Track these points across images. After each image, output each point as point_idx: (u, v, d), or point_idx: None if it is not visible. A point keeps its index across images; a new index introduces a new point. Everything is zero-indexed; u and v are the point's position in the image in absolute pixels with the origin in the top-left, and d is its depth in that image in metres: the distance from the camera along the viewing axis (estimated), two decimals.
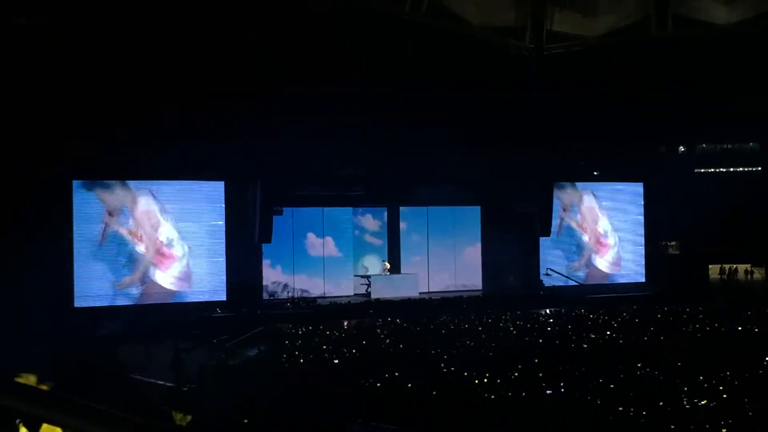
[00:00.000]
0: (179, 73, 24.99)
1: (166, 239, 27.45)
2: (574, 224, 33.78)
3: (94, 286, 26.50)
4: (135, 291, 27.01)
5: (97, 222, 26.57)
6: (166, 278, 27.44)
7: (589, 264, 33.91)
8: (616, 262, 34.28)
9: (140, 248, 27.09)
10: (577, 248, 33.77)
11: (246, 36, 25.28)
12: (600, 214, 34.14)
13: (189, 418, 10.31)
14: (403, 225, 32.60)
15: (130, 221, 27.03)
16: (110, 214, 26.65)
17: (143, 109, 25.01)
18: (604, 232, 34.16)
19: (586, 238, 33.89)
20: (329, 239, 31.27)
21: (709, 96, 30.13)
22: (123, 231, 26.87)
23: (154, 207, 27.35)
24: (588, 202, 34.03)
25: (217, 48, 25.17)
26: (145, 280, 27.12)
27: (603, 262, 34.11)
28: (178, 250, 27.62)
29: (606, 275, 34.05)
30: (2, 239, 22.81)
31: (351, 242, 31.63)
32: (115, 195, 26.88)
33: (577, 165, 34.18)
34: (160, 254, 27.37)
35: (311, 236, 31.03)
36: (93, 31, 23.71)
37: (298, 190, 30.04)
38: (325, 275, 30.94)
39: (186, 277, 27.69)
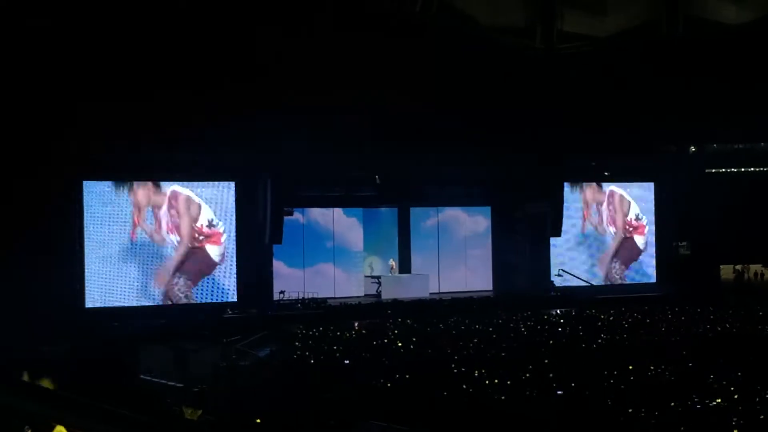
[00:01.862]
0: (189, 73, 25.00)
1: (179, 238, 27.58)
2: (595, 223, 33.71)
3: (105, 286, 26.55)
4: (147, 292, 27.07)
5: (106, 222, 26.64)
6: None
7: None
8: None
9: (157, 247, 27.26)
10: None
11: (256, 36, 25.30)
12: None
13: (200, 412, 10.35)
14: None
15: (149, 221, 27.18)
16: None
17: (153, 110, 25.02)
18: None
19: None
20: (339, 238, 31.34)
21: (720, 96, 30.00)
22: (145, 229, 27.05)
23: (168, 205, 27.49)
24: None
25: (228, 49, 25.19)
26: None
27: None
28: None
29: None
30: (13, 240, 22.89)
31: (361, 241, 31.67)
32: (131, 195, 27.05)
33: (588, 165, 34.06)
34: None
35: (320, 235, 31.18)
36: (101, 31, 23.75)
37: (309, 191, 30.07)
38: (336, 276, 30.97)
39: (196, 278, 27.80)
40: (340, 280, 30.98)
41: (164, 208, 27.33)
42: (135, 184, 27.01)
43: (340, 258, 31.23)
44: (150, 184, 27.20)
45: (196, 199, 27.68)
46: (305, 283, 29.83)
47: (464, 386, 14.20)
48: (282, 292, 28.70)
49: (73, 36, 23.27)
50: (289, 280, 29.49)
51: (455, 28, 27.87)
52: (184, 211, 27.52)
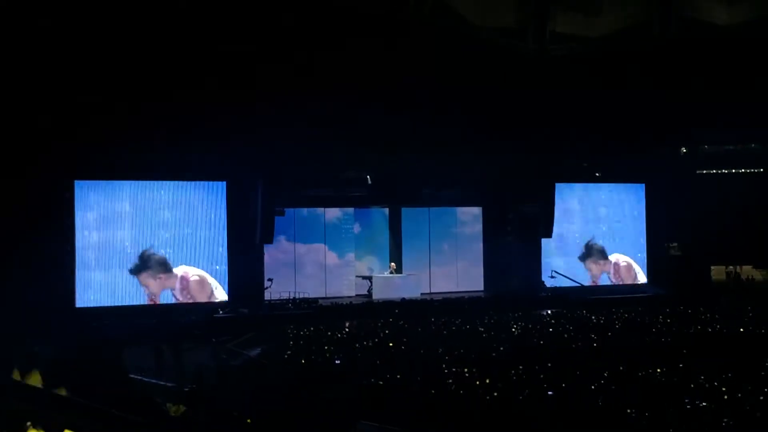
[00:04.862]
0: (181, 72, 24.97)
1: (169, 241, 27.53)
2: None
3: (95, 286, 26.47)
4: (138, 292, 26.99)
5: (97, 221, 26.57)
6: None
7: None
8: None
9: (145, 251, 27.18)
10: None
11: (246, 35, 25.26)
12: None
13: (183, 408, 10.32)
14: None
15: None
16: None
17: (145, 109, 24.98)
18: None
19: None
20: (330, 239, 31.29)
21: (712, 97, 30.04)
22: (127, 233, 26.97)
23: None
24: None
25: (218, 48, 25.14)
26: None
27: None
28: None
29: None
30: (3, 239, 22.82)
31: (353, 242, 31.63)
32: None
33: (580, 166, 34.08)
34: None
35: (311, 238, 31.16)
36: (94, 30, 23.68)
37: (300, 191, 30.02)
38: (327, 276, 30.93)
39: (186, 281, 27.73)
40: (331, 280, 30.94)
41: (177, 288, 27.60)
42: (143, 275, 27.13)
43: (330, 257, 31.18)
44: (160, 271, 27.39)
45: (210, 280, 27.91)
46: (296, 283, 29.82)
47: (455, 386, 14.19)
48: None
49: (66, 35, 23.21)
50: (280, 280, 29.43)
51: (448, 29, 27.84)
52: (198, 291, 27.78)
